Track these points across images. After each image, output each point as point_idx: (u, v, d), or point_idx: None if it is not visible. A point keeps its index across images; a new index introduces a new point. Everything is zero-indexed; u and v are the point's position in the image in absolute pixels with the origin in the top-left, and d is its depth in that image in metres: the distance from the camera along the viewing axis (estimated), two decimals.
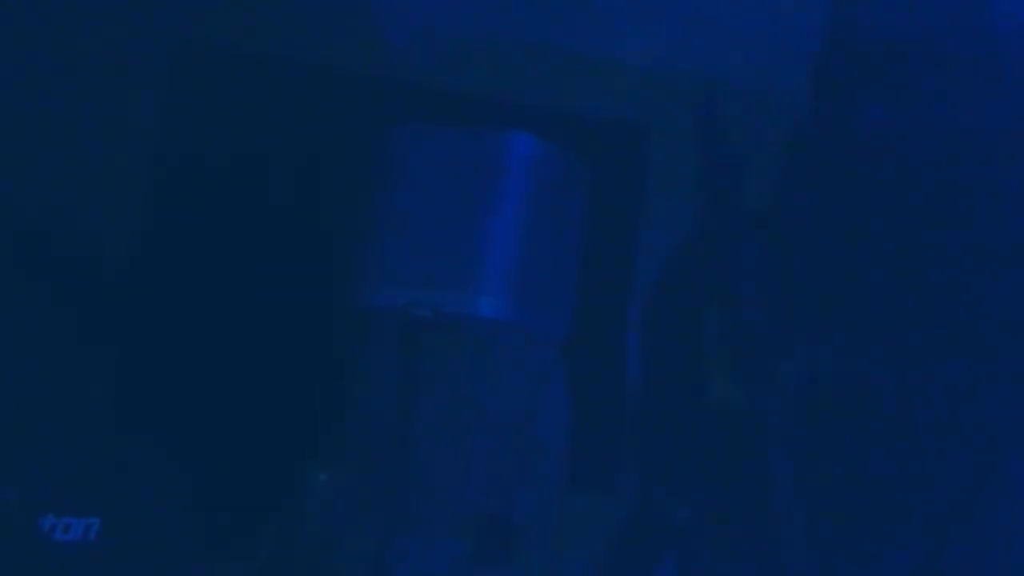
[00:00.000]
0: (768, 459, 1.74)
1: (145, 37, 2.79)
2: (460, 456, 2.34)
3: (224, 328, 2.68)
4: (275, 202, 2.78)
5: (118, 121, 2.74)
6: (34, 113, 2.66)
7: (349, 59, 2.91)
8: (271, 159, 2.79)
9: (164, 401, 2.63)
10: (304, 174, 2.79)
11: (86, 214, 2.69)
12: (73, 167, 2.69)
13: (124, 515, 2.24)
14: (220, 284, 2.72)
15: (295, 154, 2.79)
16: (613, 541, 2.22)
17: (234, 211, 2.77)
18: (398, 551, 2.26)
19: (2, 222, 2.59)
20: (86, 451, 2.42)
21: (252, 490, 2.59)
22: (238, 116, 2.80)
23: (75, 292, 2.64)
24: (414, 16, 2.93)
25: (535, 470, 2.37)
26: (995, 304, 1.62)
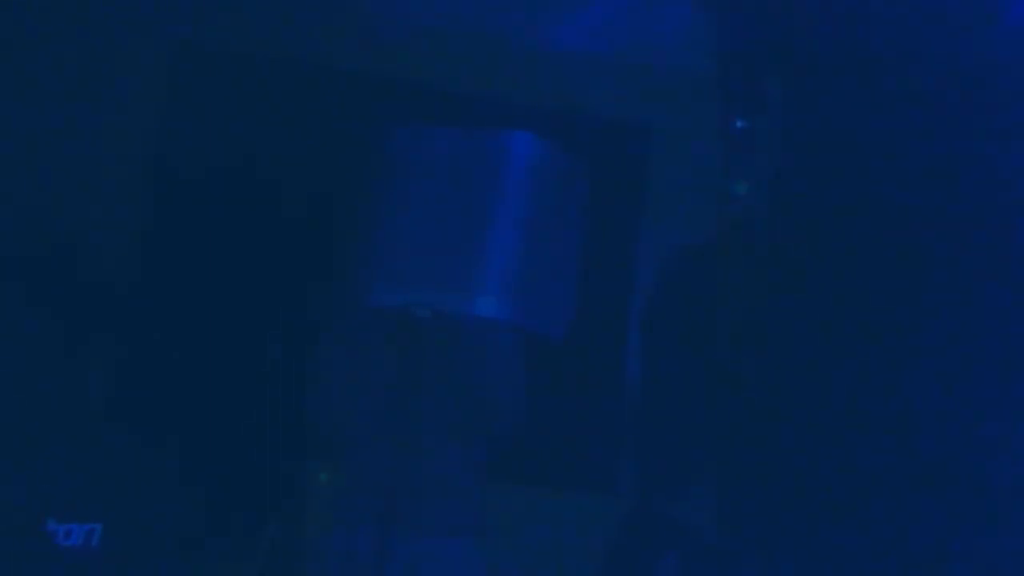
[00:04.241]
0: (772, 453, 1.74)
1: (145, 37, 2.79)
2: (460, 456, 2.34)
3: (224, 328, 2.68)
4: (275, 202, 2.78)
5: (118, 121, 2.74)
6: (34, 114, 2.66)
7: (349, 59, 2.91)
8: (271, 159, 2.79)
9: (164, 402, 2.63)
10: (304, 174, 2.79)
11: (86, 215, 2.69)
12: (73, 168, 2.69)
13: (126, 520, 2.25)
14: (220, 285, 2.72)
15: (295, 154, 2.79)
16: (613, 541, 2.22)
17: (234, 211, 2.77)
18: (398, 551, 2.26)
19: (2, 222, 2.59)
20: (88, 456, 2.42)
21: (252, 490, 2.59)
22: (238, 116, 2.80)
23: (75, 293, 2.64)
24: (414, 16, 2.93)
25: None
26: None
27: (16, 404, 2.48)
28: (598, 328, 2.77)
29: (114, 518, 2.26)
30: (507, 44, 2.99)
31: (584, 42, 2.99)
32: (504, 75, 2.98)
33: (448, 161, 2.36)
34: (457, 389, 2.33)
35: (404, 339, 2.32)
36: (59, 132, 2.68)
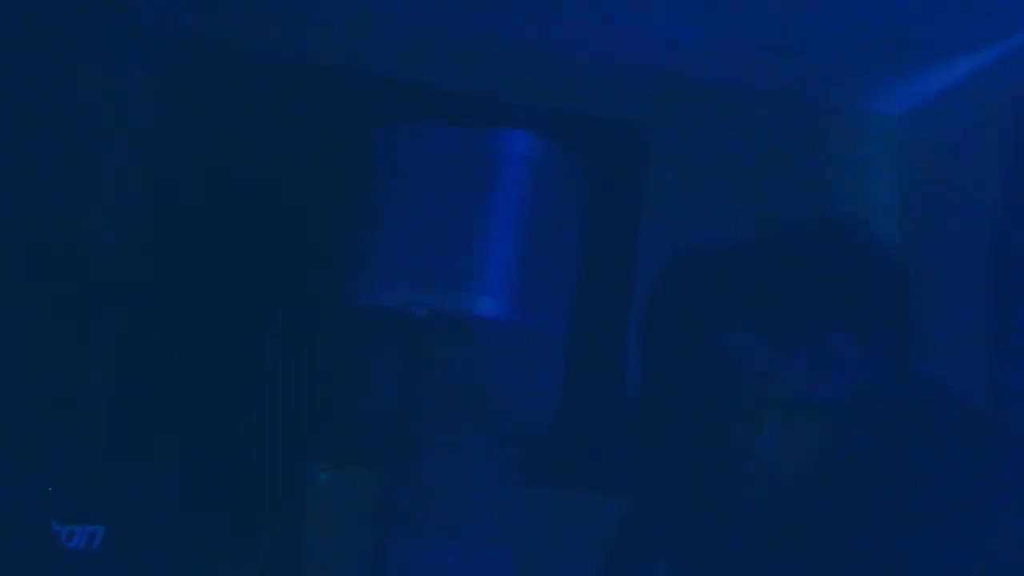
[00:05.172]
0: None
1: (145, 37, 2.79)
2: (460, 455, 2.33)
3: (224, 329, 2.68)
4: (274, 202, 2.78)
5: (118, 122, 2.74)
6: (34, 114, 2.66)
7: (349, 59, 2.91)
8: (270, 159, 2.79)
9: (164, 402, 2.63)
10: (303, 174, 2.79)
11: (86, 215, 2.69)
12: (73, 168, 2.69)
13: (128, 522, 2.24)
14: (219, 285, 2.72)
15: (294, 154, 2.79)
16: (613, 541, 2.21)
17: (233, 211, 2.77)
18: (398, 551, 2.26)
19: (2, 223, 2.59)
20: (89, 458, 2.42)
21: (252, 490, 2.59)
22: (237, 116, 2.80)
23: (75, 293, 2.64)
24: (414, 16, 2.93)
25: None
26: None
27: (16, 405, 2.48)
28: (598, 328, 2.77)
29: (115, 520, 2.26)
30: (507, 44, 2.99)
31: (584, 42, 2.99)
32: (503, 75, 2.98)
33: (447, 160, 2.36)
34: (462, 390, 2.32)
35: (403, 339, 2.32)
36: (58, 132, 2.68)
